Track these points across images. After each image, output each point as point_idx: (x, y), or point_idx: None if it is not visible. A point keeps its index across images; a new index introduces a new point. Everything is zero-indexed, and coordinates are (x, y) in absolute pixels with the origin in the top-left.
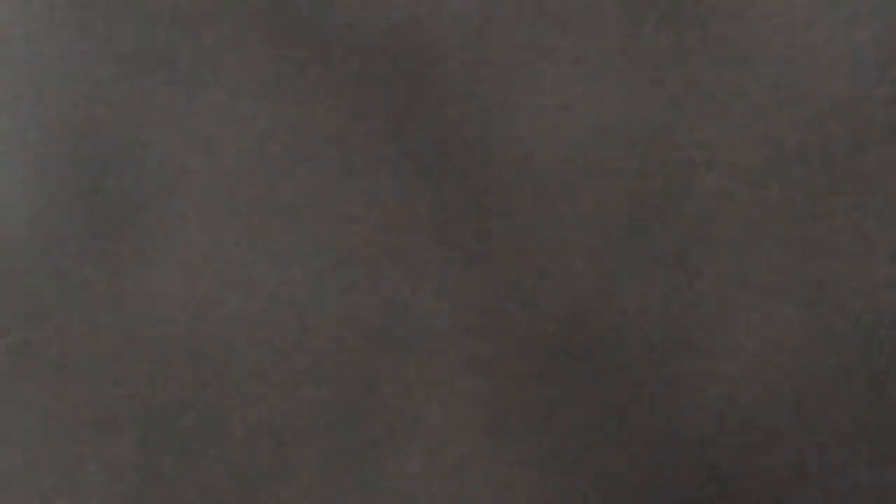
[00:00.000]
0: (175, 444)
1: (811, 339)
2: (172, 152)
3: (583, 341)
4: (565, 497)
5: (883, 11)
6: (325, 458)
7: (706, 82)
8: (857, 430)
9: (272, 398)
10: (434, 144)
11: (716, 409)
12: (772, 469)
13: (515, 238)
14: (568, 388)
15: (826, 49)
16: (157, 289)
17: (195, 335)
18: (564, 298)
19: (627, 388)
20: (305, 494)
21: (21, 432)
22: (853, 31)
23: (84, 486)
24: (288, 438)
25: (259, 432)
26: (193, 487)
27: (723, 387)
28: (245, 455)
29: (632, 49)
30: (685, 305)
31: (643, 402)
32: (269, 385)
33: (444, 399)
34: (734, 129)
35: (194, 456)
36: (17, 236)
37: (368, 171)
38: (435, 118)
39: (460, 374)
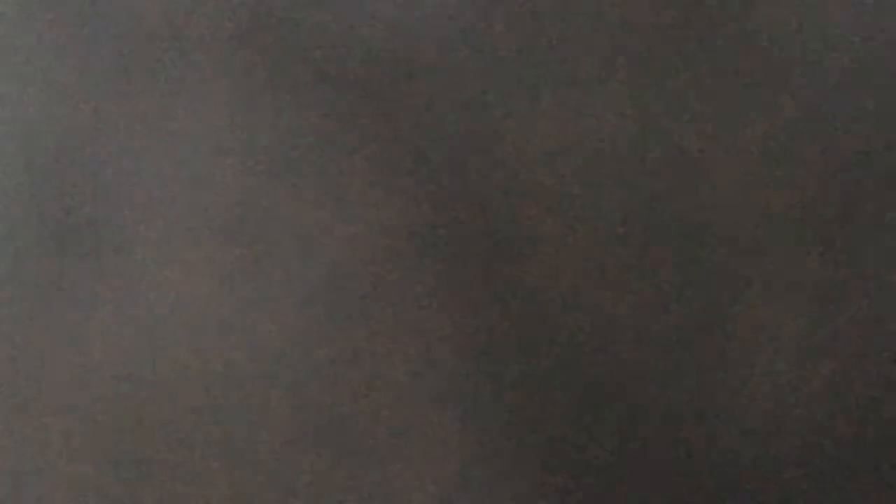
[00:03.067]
0: (132, 475)
1: (826, 401)
2: (141, 174)
3: (584, 377)
4: None
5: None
6: (298, 487)
7: (711, 94)
8: (874, 496)
9: (240, 431)
10: (427, 169)
11: (730, 473)
12: None
13: (510, 254)
14: (570, 428)
15: (835, 67)
16: (119, 317)
17: (157, 368)
18: (565, 328)
19: (635, 451)
20: None
21: None
22: (864, 50)
23: None
24: (257, 473)
25: (230, 465)
26: None
27: (736, 448)
28: (220, 485)
29: (632, 61)
30: (690, 335)
31: (654, 467)
32: (238, 418)
33: (437, 444)
34: (740, 142)
35: (154, 486)
36: None
37: (351, 192)
38: (425, 130)
39: (455, 411)
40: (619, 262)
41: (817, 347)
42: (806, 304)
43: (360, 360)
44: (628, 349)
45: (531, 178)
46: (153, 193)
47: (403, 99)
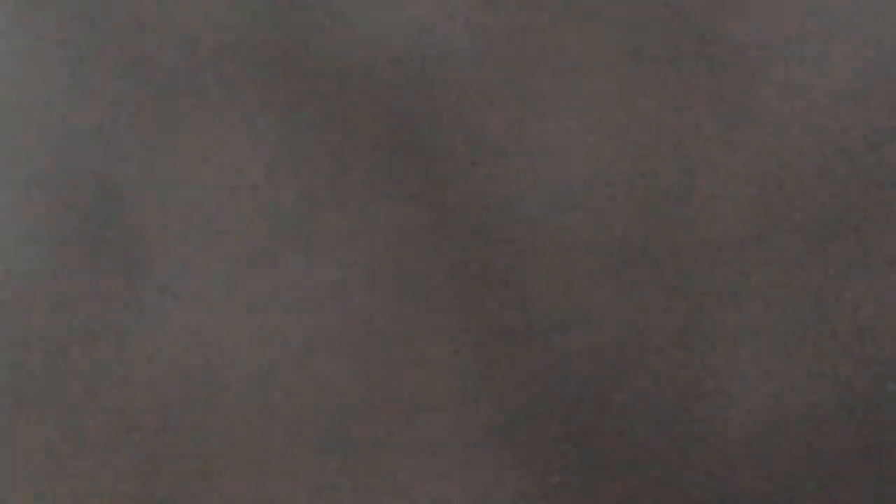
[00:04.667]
0: (171, 488)
1: (820, 405)
2: (163, 198)
3: (582, 400)
4: None
5: (880, 55)
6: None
7: (706, 128)
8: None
9: (269, 445)
10: (430, 180)
11: (720, 474)
12: None
13: (510, 278)
14: (568, 450)
15: (830, 101)
16: (152, 334)
17: (190, 382)
18: (562, 354)
19: (629, 452)
20: None
21: (20, 473)
22: (858, 84)
23: None
24: (284, 484)
25: (256, 479)
26: None
27: (728, 449)
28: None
29: (631, 92)
30: (684, 359)
31: (648, 468)
32: (264, 431)
33: (444, 463)
34: (735, 175)
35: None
36: (3, 286)
37: (363, 213)
38: (430, 153)
39: (459, 436)
40: (612, 270)
41: (802, 351)
42: (792, 311)
43: (371, 366)
44: (621, 354)
45: (531, 190)
46: (180, 211)
47: (408, 113)
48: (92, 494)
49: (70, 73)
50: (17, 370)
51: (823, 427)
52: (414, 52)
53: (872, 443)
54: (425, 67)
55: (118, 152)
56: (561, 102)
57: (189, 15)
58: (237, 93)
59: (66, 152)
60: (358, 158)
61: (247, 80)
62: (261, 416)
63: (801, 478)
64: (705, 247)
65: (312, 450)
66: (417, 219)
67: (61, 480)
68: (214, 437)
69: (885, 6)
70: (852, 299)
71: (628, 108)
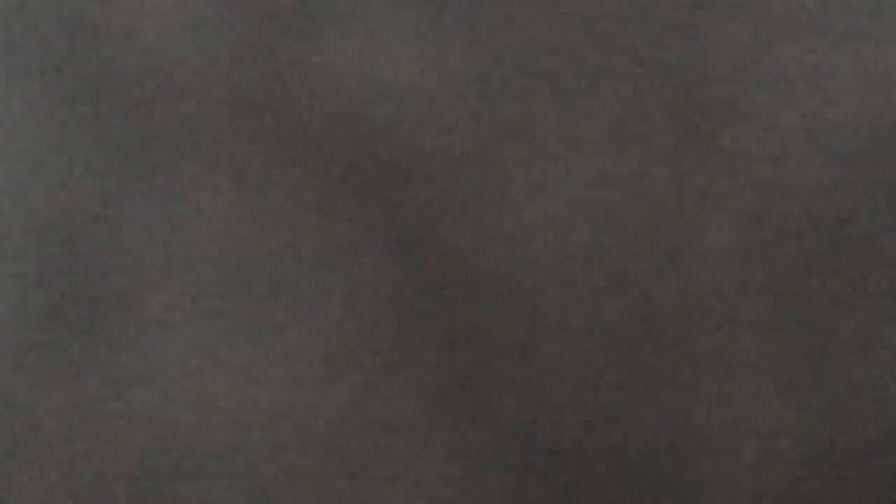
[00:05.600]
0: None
1: (811, 444)
2: (153, 249)
3: (575, 442)
4: None
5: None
6: None
7: (697, 173)
8: None
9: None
10: (420, 237)
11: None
12: None
13: (503, 332)
14: (566, 494)
15: (816, 146)
16: (138, 387)
17: (177, 436)
18: (557, 404)
19: (624, 494)
20: None
21: None
22: (842, 128)
23: None
24: None
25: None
26: None
27: (720, 490)
28: None
29: (623, 143)
30: (682, 410)
31: (633, 494)
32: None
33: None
34: (725, 221)
35: None
36: None
37: (352, 267)
38: (420, 212)
39: (452, 487)
40: (589, 301)
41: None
42: (805, 404)
43: (369, 403)
44: (603, 389)
45: (520, 238)
46: (168, 268)
47: (402, 185)
48: None
49: (65, 118)
50: None
51: (815, 463)
52: (405, 114)
53: (868, 476)
54: (415, 130)
55: (109, 195)
56: (545, 155)
57: (190, 64)
58: (232, 156)
59: (58, 192)
60: (344, 212)
61: (236, 132)
62: (267, 454)
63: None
64: (696, 298)
65: (312, 476)
66: (407, 279)
67: None
68: (224, 476)
69: (883, 31)
70: (847, 334)
71: (622, 160)
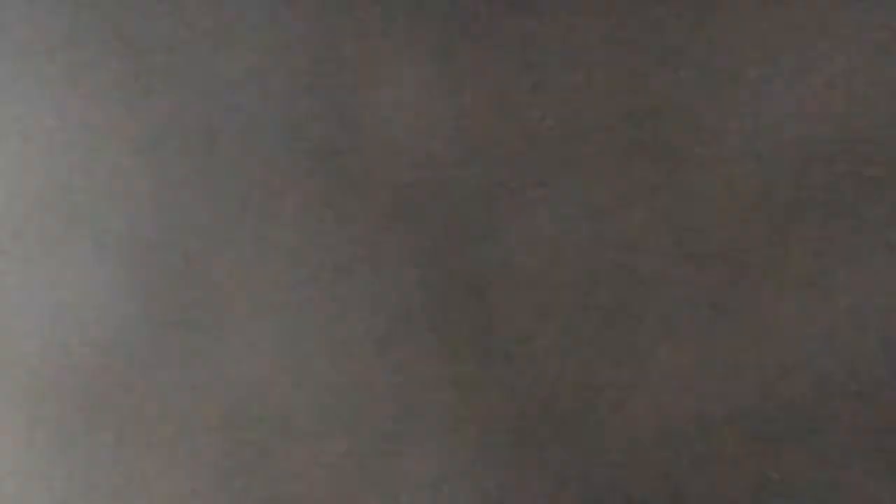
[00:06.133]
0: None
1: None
2: (227, 272)
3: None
4: None
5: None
6: None
7: (672, 213)
8: None
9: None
10: (455, 270)
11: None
12: None
13: (515, 350)
14: (548, 466)
15: (793, 173)
16: (221, 372)
17: (254, 411)
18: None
19: (606, 469)
20: None
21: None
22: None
23: None
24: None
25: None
26: None
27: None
28: None
29: (603, 181)
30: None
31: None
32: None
33: (438, 477)
34: (699, 262)
35: None
36: (104, 337)
37: (395, 279)
38: (445, 234)
39: (454, 449)
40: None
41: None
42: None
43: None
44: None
45: (525, 271)
46: (248, 281)
47: (439, 219)
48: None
49: (147, 146)
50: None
51: (714, 431)
52: (437, 155)
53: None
54: (447, 168)
55: (191, 224)
56: (558, 181)
57: (255, 98)
58: (291, 194)
59: (142, 221)
60: (391, 254)
61: (298, 181)
62: (309, 443)
63: (692, 482)
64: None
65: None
66: (417, 292)
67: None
68: (277, 462)
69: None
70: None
71: (604, 200)
